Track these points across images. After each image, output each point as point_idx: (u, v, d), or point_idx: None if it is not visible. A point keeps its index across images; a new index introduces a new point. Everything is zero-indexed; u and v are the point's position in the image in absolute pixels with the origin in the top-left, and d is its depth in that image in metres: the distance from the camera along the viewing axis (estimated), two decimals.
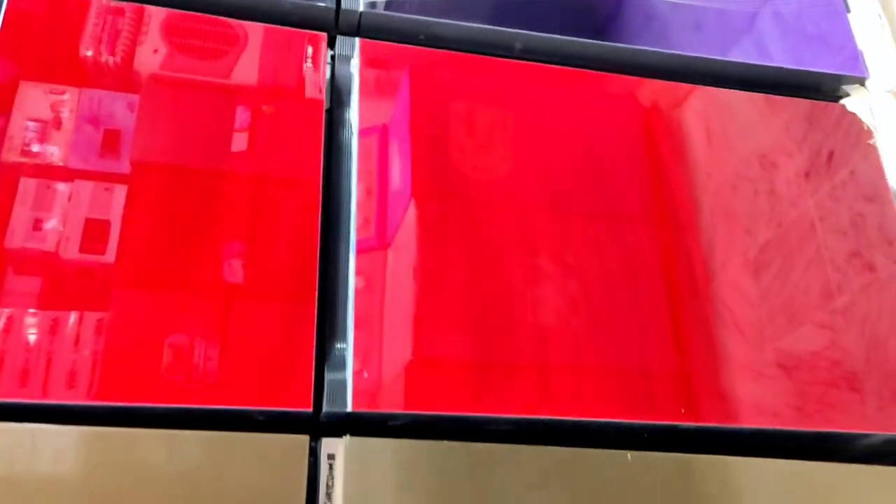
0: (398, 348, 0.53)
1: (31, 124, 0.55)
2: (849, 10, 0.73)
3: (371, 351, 0.52)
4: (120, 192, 0.54)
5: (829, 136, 0.70)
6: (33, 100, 0.56)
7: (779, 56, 0.69)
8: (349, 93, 0.60)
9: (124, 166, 0.55)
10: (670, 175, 0.64)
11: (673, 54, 0.67)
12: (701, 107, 0.67)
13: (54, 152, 0.54)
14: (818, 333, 0.62)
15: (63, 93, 0.56)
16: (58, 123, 0.55)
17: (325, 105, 0.59)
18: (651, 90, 0.66)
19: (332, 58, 0.61)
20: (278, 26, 0.60)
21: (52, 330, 0.50)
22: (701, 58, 0.68)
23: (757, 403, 0.57)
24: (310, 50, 0.60)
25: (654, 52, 0.67)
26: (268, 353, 0.51)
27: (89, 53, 0.57)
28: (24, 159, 0.54)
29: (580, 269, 0.59)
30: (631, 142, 0.64)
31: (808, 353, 0.61)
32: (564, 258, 0.59)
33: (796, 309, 0.63)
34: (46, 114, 0.56)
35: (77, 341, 0.50)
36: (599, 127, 0.64)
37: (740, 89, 0.68)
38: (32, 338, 0.49)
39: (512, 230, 0.58)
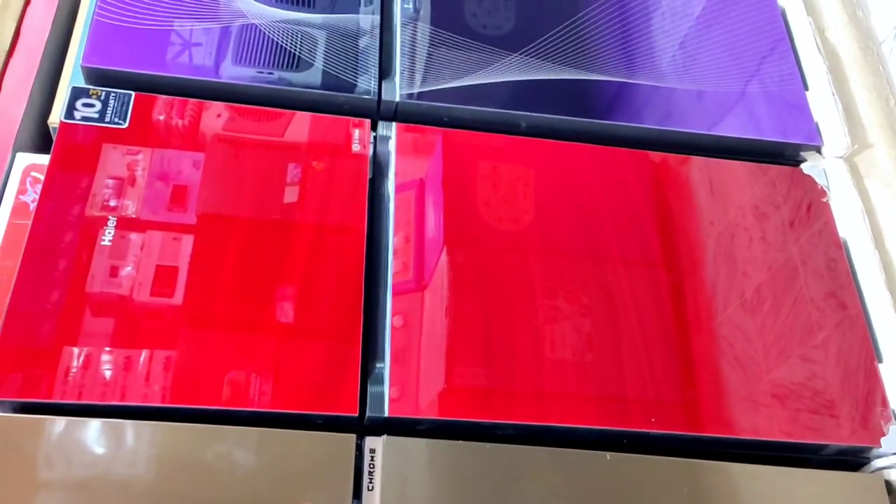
0: (429, 370, 0.66)
1: (111, 181, 0.69)
2: (807, 88, 0.86)
3: (405, 371, 0.66)
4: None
5: (807, 192, 0.82)
6: (113, 161, 0.70)
7: (749, 127, 0.83)
8: (388, 165, 0.75)
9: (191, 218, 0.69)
10: (677, 225, 0.77)
11: (663, 130, 0.81)
12: (700, 167, 0.80)
13: (129, 206, 0.68)
14: (803, 366, 0.74)
15: (137, 153, 0.71)
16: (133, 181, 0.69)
17: (368, 175, 0.74)
18: (649, 156, 0.80)
19: (375, 138, 0.76)
20: (330, 115, 0.76)
21: (125, 366, 0.61)
22: (686, 132, 0.82)
23: (755, 430, 0.68)
24: (356, 132, 0.75)
25: (639, 127, 0.81)
26: (322, 371, 0.64)
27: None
28: (104, 213, 0.67)
29: (594, 309, 0.71)
30: (639, 197, 0.78)
31: (795, 384, 0.72)
32: (580, 298, 0.71)
33: (785, 344, 0.74)
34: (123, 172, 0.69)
35: (147, 377, 0.61)
36: (608, 185, 0.77)
37: (718, 156, 0.81)
38: (108, 374, 0.61)
39: (532, 273, 0.72)
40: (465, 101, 0.79)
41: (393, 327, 0.67)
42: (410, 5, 0.84)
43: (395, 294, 0.69)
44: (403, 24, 0.82)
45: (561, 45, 0.84)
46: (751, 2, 0.92)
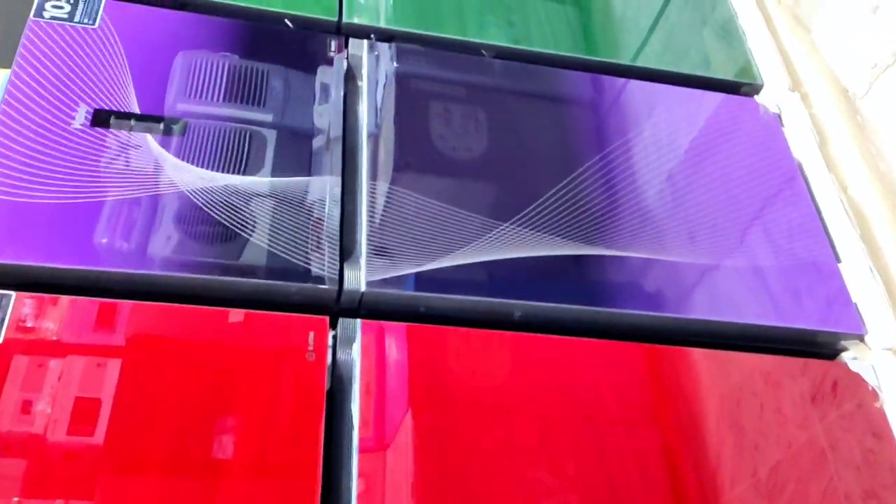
0: None
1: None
2: (839, 260, 0.75)
3: None
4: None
5: (830, 368, 0.69)
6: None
7: (774, 313, 0.70)
8: (351, 375, 0.59)
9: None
10: (704, 441, 0.63)
11: (669, 317, 0.68)
12: (723, 364, 0.67)
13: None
14: None
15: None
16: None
17: (326, 387, 0.59)
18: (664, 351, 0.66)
19: (334, 339, 0.61)
20: (280, 313, 0.60)
21: None
22: (697, 319, 0.68)
23: None
24: (311, 336, 0.60)
25: (649, 315, 0.68)
26: None
27: None
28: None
29: (581, 480, 0.59)
30: (652, 402, 0.64)
31: None
32: (565, 469, 0.59)
33: None
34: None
35: None
36: (619, 388, 0.63)
37: (737, 348, 0.68)
38: None
39: (516, 443, 0.59)
40: (445, 288, 0.65)
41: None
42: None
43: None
44: (371, 190, 0.68)
45: (559, 212, 0.71)
46: (764, 157, 0.81)
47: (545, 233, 0.69)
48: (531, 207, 0.71)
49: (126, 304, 0.59)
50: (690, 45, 0.92)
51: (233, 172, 0.68)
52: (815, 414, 0.67)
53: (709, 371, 0.66)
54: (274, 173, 0.68)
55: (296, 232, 0.64)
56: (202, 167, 0.68)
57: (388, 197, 0.68)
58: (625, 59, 0.87)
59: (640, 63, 0.88)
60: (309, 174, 0.69)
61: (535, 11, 0.88)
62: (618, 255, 0.70)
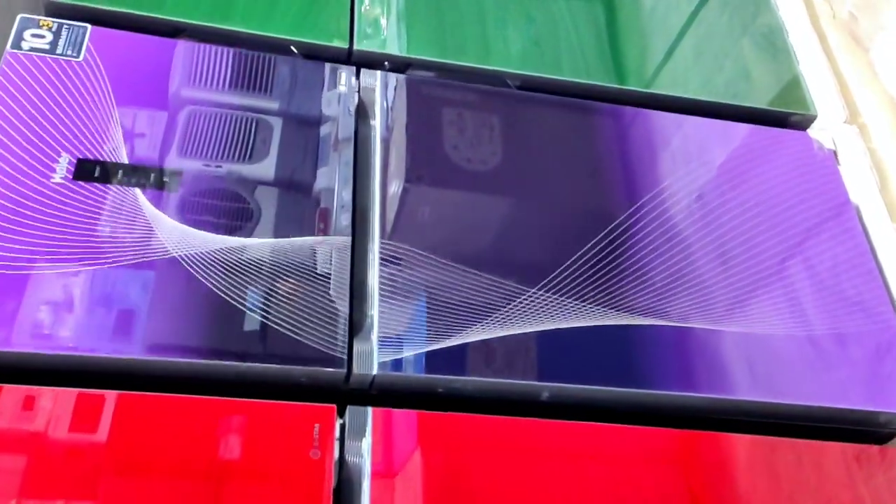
0: None
1: None
2: None
3: None
4: None
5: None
6: None
7: (831, 393, 0.63)
8: (361, 471, 0.53)
9: None
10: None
11: (712, 398, 0.61)
12: (783, 453, 0.60)
13: None
14: None
15: None
16: None
17: (333, 484, 0.53)
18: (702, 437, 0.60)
19: (342, 429, 0.55)
20: (281, 402, 0.54)
21: None
22: (744, 401, 0.62)
23: None
24: (316, 429, 0.54)
25: (690, 396, 0.61)
26: None
27: None
28: None
29: None
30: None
31: None
32: None
33: None
34: None
35: None
36: (655, 477, 0.57)
37: (801, 433, 0.62)
38: None
39: None
40: (465, 367, 0.58)
41: None
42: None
43: None
44: (384, 259, 0.61)
45: (591, 275, 0.64)
46: (818, 204, 0.74)
47: (575, 299, 0.62)
48: (559, 270, 0.63)
49: (109, 395, 0.52)
50: (734, 70, 0.83)
51: (237, 160, 0.63)
52: (860, 476, 0.61)
53: (755, 460, 0.60)
54: (280, 160, 0.64)
55: (301, 305, 0.58)
56: (205, 157, 0.62)
57: (402, 262, 0.61)
58: (663, 88, 0.79)
59: (678, 92, 0.79)
60: (315, 163, 0.64)
61: (567, 37, 0.80)
62: (657, 325, 0.63)
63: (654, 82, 0.80)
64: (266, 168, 0.65)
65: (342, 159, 0.66)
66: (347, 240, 0.62)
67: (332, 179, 0.65)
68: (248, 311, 0.57)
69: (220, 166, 0.64)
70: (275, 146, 0.66)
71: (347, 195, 0.64)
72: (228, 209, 0.62)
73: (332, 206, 0.64)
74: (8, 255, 0.55)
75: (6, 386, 0.51)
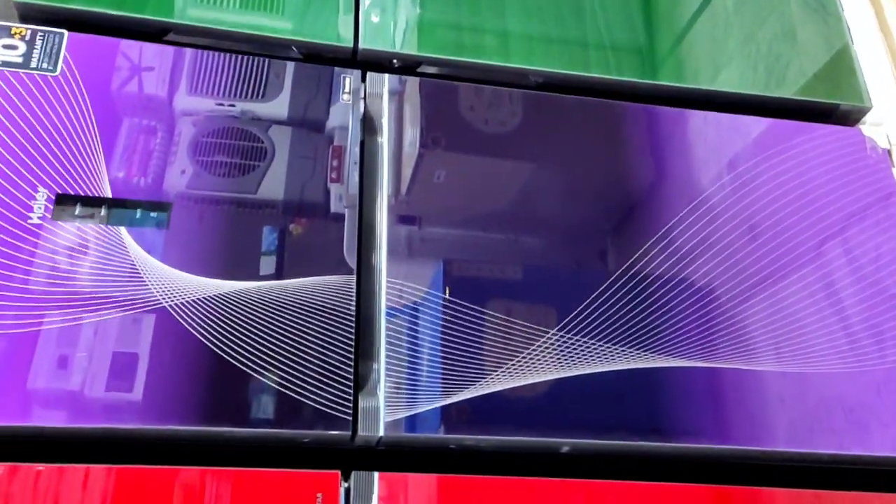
0: None
1: None
2: None
3: None
4: None
5: None
6: None
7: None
8: None
9: None
10: None
11: (751, 450, 0.57)
12: None
13: None
14: None
15: None
16: None
17: None
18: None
19: (347, 492, 0.51)
20: (281, 470, 0.50)
21: None
22: (784, 452, 0.57)
23: None
24: (319, 498, 0.50)
25: (726, 449, 0.56)
26: None
27: None
28: None
29: None
30: None
31: None
32: None
33: None
34: None
35: None
36: None
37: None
38: None
39: None
40: (479, 423, 0.54)
41: None
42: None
43: None
44: (392, 293, 0.56)
45: (617, 313, 0.59)
46: (871, 212, 0.67)
47: (598, 340, 0.57)
48: (582, 307, 0.58)
49: (99, 471, 0.49)
50: (778, 56, 0.75)
51: (250, 98, 0.61)
52: None
53: None
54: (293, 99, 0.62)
55: (302, 359, 0.53)
56: (217, 96, 0.60)
57: (411, 304, 0.56)
58: (698, 82, 0.72)
59: (717, 86, 0.72)
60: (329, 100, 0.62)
61: (594, 29, 0.72)
62: (689, 366, 0.58)
63: (688, 76, 0.72)
64: (279, 106, 0.62)
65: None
66: (352, 279, 0.57)
67: (347, 117, 0.62)
68: (245, 369, 0.52)
69: (233, 105, 0.61)
70: (288, 83, 0.63)
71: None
72: (242, 148, 0.59)
73: (345, 144, 0.61)
74: None
75: None
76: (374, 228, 0.59)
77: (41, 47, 0.60)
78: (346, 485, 0.51)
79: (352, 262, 0.57)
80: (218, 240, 0.56)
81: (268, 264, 0.56)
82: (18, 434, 0.49)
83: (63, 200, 0.55)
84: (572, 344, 0.57)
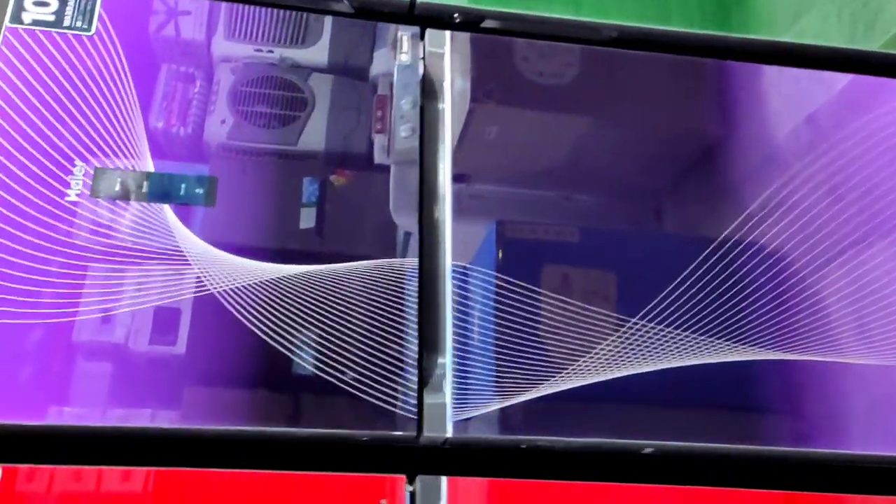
0: None
1: None
2: None
3: None
4: None
5: None
6: None
7: None
8: None
9: None
10: None
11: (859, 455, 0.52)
12: None
13: None
14: None
15: None
16: None
17: None
18: None
19: (412, 496, 0.47)
20: (340, 474, 0.46)
21: None
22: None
23: None
24: (384, 503, 0.46)
25: (828, 453, 0.51)
26: None
27: None
28: None
29: None
30: None
31: None
32: None
33: None
34: None
35: None
36: None
37: None
38: None
39: None
40: (551, 423, 0.49)
41: None
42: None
43: None
44: (459, 277, 0.51)
45: (708, 299, 0.53)
46: None
47: (690, 331, 0.52)
48: (668, 291, 0.53)
49: (145, 473, 0.45)
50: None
51: (289, 44, 0.57)
52: None
53: None
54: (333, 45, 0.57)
55: (361, 350, 0.49)
56: (255, 41, 0.56)
57: (479, 290, 0.52)
58: (778, 32, 0.64)
59: (795, 37, 0.65)
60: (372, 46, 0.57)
61: None
62: (791, 359, 0.53)
63: (763, 26, 0.65)
64: (319, 53, 0.58)
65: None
66: (414, 262, 0.52)
67: (391, 65, 0.57)
68: (298, 359, 0.48)
69: (271, 51, 0.57)
70: (328, 28, 0.58)
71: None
72: (281, 98, 0.55)
73: (389, 94, 0.56)
74: (24, 292, 0.47)
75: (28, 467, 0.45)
76: (434, 190, 0.55)
77: (74, 4, 0.55)
78: (410, 489, 0.48)
79: (399, 220, 0.53)
80: (260, 199, 0.52)
81: (308, 216, 0.52)
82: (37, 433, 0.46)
83: (101, 175, 0.51)
84: (656, 334, 0.52)
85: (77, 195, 0.50)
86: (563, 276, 0.53)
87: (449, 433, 0.48)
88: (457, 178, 0.55)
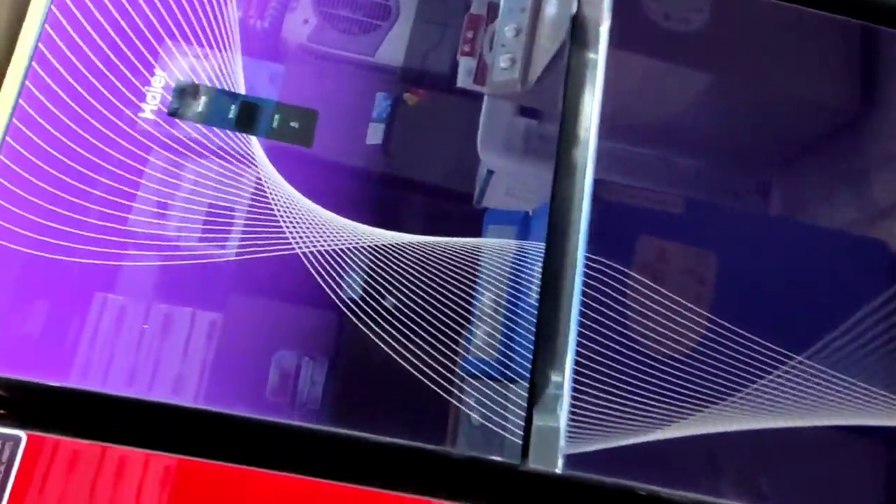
0: None
1: None
2: None
3: None
4: None
5: None
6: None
7: None
8: None
9: None
10: None
11: None
12: None
13: None
14: None
15: None
16: None
17: None
18: None
19: None
20: (428, 500, 0.39)
21: None
22: None
23: None
24: None
25: None
26: None
27: None
28: None
29: None
30: None
31: None
32: None
33: None
34: None
35: None
36: None
37: None
38: None
39: None
40: (677, 472, 0.40)
41: None
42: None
43: None
44: (587, 270, 0.41)
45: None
46: None
47: (866, 381, 0.42)
48: (845, 325, 0.43)
49: (192, 465, 0.38)
50: None
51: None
52: None
53: None
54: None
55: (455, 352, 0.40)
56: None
57: (609, 293, 0.42)
58: None
59: None
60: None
61: None
62: None
63: None
64: None
65: None
66: (540, 246, 0.42)
67: None
68: (392, 353, 0.40)
69: None
70: None
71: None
72: (364, 3, 0.47)
73: (485, 14, 0.47)
74: (80, 224, 0.40)
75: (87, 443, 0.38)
76: (572, 163, 0.45)
77: None
78: None
79: (485, 156, 0.44)
80: (331, 109, 0.43)
81: (375, 132, 0.44)
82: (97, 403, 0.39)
83: (184, 91, 0.42)
84: (826, 380, 0.42)
85: (152, 112, 0.42)
86: (714, 300, 0.43)
87: (559, 468, 0.40)
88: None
